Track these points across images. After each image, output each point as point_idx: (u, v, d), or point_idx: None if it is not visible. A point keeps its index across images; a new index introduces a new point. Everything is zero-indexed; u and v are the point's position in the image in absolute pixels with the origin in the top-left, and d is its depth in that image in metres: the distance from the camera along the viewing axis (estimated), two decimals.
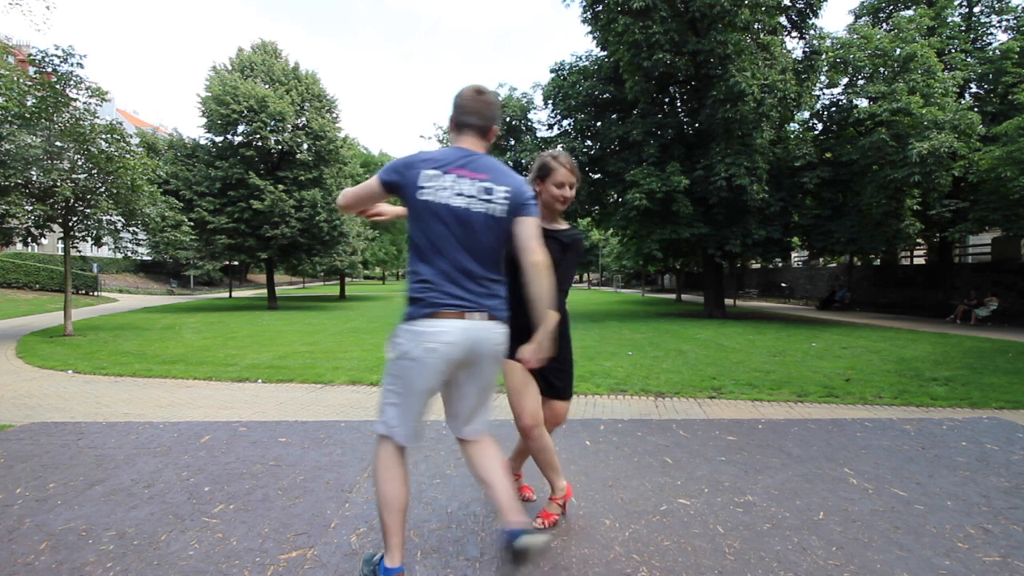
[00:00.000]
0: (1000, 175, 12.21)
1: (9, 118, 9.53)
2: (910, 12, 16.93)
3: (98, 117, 10.85)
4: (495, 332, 1.77)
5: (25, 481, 2.74)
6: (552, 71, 17.79)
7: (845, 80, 16.51)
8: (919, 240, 17.69)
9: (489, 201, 1.73)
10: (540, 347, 1.78)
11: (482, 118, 1.82)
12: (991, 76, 16.04)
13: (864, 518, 2.35)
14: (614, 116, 17.01)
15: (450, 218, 1.72)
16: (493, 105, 1.84)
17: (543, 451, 2.17)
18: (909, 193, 13.81)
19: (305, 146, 21.62)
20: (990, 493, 2.62)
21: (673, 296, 30.71)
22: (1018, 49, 15.42)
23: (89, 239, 11.88)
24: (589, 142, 17.29)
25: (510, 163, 17.16)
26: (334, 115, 23.41)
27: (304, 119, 21.60)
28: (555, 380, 2.21)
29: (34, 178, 10.32)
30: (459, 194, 1.72)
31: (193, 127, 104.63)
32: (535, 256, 1.72)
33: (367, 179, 1.93)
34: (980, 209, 13.69)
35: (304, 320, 15.72)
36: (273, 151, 21.26)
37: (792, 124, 17.35)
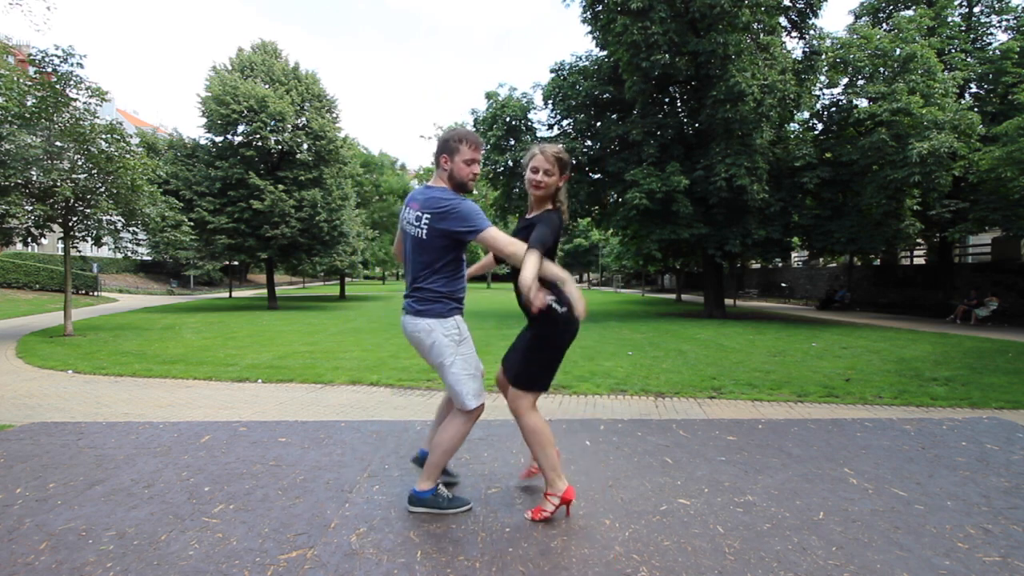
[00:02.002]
0: (1000, 175, 12.21)
1: (9, 118, 9.53)
2: (910, 12, 16.93)
3: (98, 117, 10.85)
4: (408, 322, 2.34)
5: (25, 481, 2.74)
6: (552, 71, 17.78)
7: (845, 80, 16.52)
8: (919, 240, 17.70)
9: (416, 226, 2.28)
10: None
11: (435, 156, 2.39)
12: (991, 76, 16.04)
13: (864, 518, 2.35)
14: (614, 116, 17.01)
15: (405, 238, 2.38)
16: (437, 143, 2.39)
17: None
18: (909, 193, 13.81)
19: (305, 146, 21.61)
20: (990, 493, 2.62)
21: (673, 296, 30.71)
22: (1018, 49, 15.43)
23: (89, 239, 11.88)
24: (589, 142, 17.28)
25: (509, 163, 17.18)
26: (334, 115, 23.39)
27: (304, 119, 21.59)
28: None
29: (34, 178, 10.32)
30: (406, 220, 2.35)
31: (193, 127, 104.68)
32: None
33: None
34: (980, 209, 13.69)
35: (304, 320, 15.72)
36: (273, 151, 21.26)
37: (792, 124, 17.35)
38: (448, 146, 2.29)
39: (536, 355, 2.28)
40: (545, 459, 2.26)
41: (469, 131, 2.36)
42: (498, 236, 2.19)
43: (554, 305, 2.20)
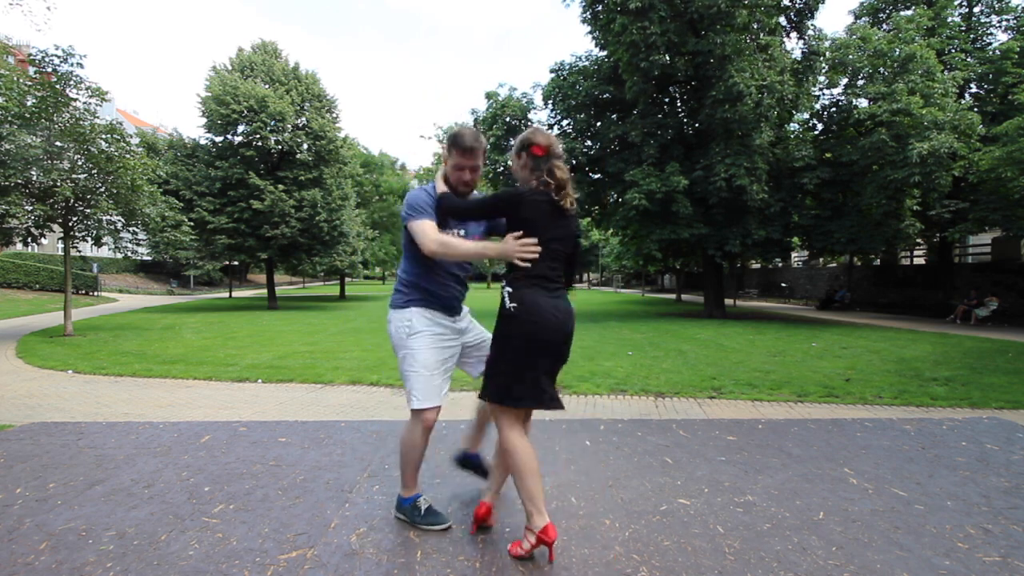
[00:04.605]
0: (1000, 175, 12.21)
1: (9, 118, 9.53)
2: (910, 12, 16.92)
3: (98, 117, 10.85)
4: None
5: (25, 481, 2.74)
6: (552, 71, 17.78)
7: (845, 80, 16.52)
8: (919, 240, 17.70)
9: None
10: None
11: None
12: (991, 76, 16.03)
13: (864, 518, 2.35)
14: (614, 116, 17.00)
15: None
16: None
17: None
18: (909, 193, 13.81)
19: (305, 146, 21.61)
20: (990, 493, 2.62)
21: (673, 296, 30.71)
22: (1018, 49, 15.41)
23: (89, 239, 11.88)
24: (589, 142, 17.28)
25: (509, 162, 17.19)
26: (334, 115, 23.39)
27: (304, 119, 21.59)
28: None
29: (34, 178, 10.32)
30: None
31: (193, 127, 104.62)
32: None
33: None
34: (980, 209, 13.69)
35: (304, 320, 15.72)
36: (273, 151, 21.25)
37: (792, 124, 17.34)
38: (449, 146, 2.18)
39: (497, 359, 2.04)
40: (521, 488, 1.96)
41: (466, 132, 2.16)
42: (421, 230, 2.07)
43: (507, 298, 2.00)
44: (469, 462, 2.60)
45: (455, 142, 2.16)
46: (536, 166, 2.05)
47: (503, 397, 2.01)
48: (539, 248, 1.98)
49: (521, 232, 1.98)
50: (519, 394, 2.00)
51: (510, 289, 2.00)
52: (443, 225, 2.16)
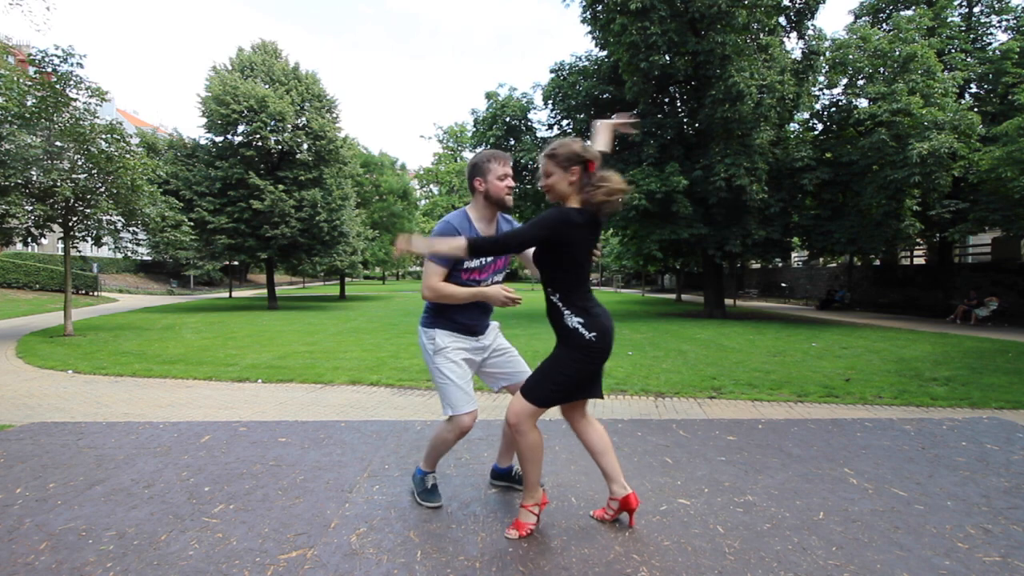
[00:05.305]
0: (1000, 175, 12.20)
1: (9, 118, 9.53)
2: (910, 12, 16.92)
3: (98, 117, 10.84)
4: None
5: (25, 481, 2.74)
6: (552, 71, 17.79)
7: (845, 80, 16.52)
8: (919, 240, 17.70)
9: None
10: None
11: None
12: (991, 76, 16.04)
13: (864, 518, 2.35)
14: None
15: None
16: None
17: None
18: (909, 193, 13.80)
19: (305, 146, 21.61)
20: (990, 493, 2.62)
21: (673, 296, 30.70)
22: (1018, 49, 15.42)
23: (89, 239, 11.88)
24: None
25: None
26: (334, 115, 23.38)
27: (304, 119, 21.58)
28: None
29: (34, 178, 10.32)
30: None
31: (193, 127, 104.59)
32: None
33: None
34: (980, 209, 13.69)
35: (304, 320, 15.72)
36: (273, 151, 21.25)
37: (792, 124, 17.35)
38: (479, 168, 2.32)
39: (555, 373, 2.12)
40: (533, 474, 2.18)
41: (495, 150, 2.39)
42: (427, 272, 2.26)
43: (581, 329, 2.07)
44: (502, 476, 2.71)
45: (496, 156, 2.33)
46: (588, 181, 2.09)
47: (551, 404, 2.16)
48: (520, 300, 2.18)
49: (507, 296, 2.18)
50: (572, 395, 2.18)
51: (581, 320, 2.08)
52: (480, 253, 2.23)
